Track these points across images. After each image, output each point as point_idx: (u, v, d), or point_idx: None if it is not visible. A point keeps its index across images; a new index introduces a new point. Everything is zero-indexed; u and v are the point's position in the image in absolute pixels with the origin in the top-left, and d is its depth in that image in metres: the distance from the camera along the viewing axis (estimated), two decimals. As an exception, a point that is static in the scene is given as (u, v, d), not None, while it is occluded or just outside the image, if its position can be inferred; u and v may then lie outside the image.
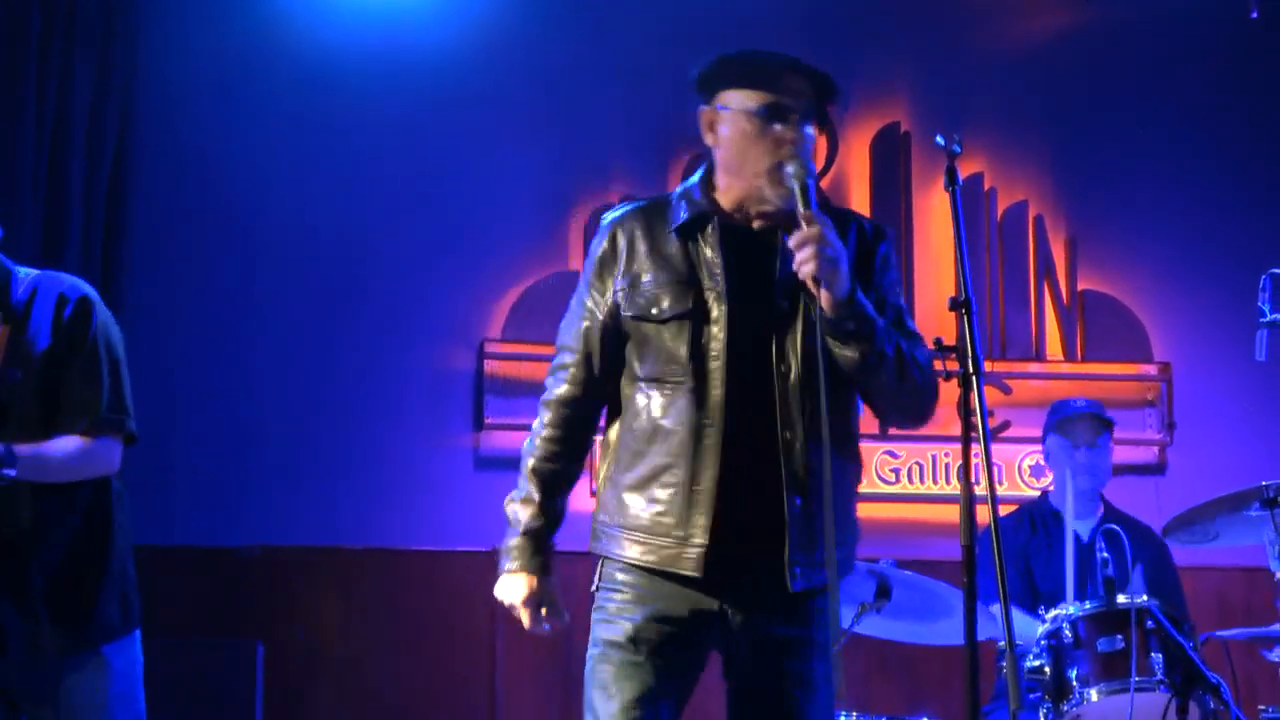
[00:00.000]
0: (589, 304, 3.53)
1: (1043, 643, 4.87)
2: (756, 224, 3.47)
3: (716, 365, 3.37)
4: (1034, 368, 7.48)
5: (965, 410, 3.26)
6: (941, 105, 7.56)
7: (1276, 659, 4.77)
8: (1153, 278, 7.64)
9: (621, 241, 3.50)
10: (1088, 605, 4.86)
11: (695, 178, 3.55)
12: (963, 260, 3.32)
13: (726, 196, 3.49)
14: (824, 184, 7.46)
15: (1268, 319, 4.98)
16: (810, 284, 3.27)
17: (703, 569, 3.35)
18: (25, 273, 3.91)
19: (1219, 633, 5.15)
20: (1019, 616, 4.66)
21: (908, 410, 3.53)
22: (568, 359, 3.55)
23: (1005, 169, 7.62)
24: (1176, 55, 7.82)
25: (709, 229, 3.44)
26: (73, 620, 3.82)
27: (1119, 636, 4.74)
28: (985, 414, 3.26)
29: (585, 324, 3.53)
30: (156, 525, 6.15)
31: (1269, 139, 7.81)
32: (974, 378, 3.25)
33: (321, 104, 7.02)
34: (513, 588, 3.58)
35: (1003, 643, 3.18)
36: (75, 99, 6.32)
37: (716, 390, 3.37)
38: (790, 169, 3.35)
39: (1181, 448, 7.45)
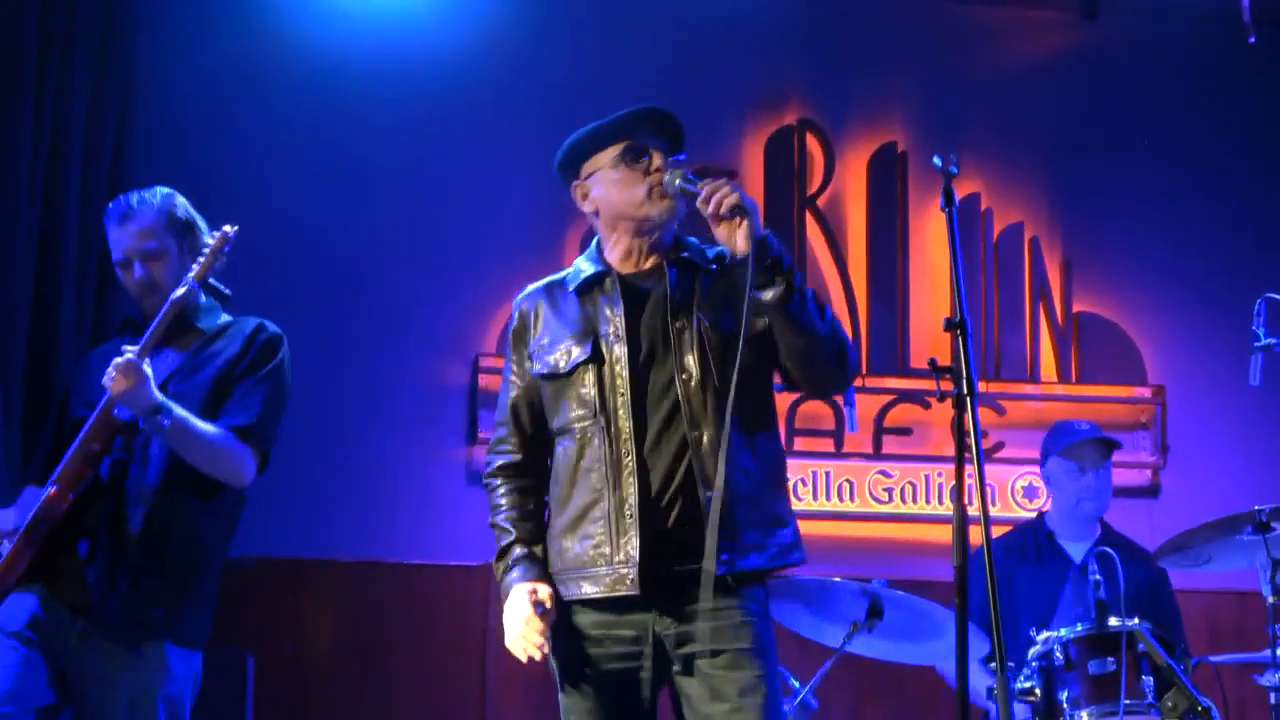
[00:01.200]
0: (511, 378, 3.77)
1: (1034, 664, 4.87)
2: (649, 263, 3.69)
3: (623, 399, 3.56)
4: (1028, 389, 7.49)
5: (959, 431, 3.28)
6: (938, 126, 7.58)
7: (1268, 683, 4.77)
8: (1148, 301, 7.65)
9: (529, 316, 3.76)
10: (1079, 627, 4.86)
11: (589, 250, 3.79)
12: (958, 281, 3.35)
13: (616, 252, 3.72)
14: (820, 203, 7.50)
15: (1262, 343, 4.99)
16: (728, 226, 3.43)
17: (639, 585, 3.48)
18: (226, 318, 4.33)
19: (1210, 657, 5.16)
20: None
21: (831, 361, 3.58)
22: (502, 432, 3.78)
23: (1002, 190, 7.64)
24: (1173, 79, 7.85)
25: (607, 282, 3.68)
26: (147, 608, 3.97)
27: (1110, 659, 4.74)
28: (979, 435, 3.28)
29: (512, 394, 3.76)
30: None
31: (1265, 163, 7.83)
32: (968, 398, 3.27)
33: (319, 116, 7.03)
34: (517, 598, 3.64)
35: (994, 664, 3.18)
36: (72, 106, 6.31)
37: (626, 422, 3.55)
38: (666, 178, 3.59)
39: (1175, 471, 7.46)
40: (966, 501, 3.25)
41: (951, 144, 6.96)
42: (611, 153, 3.69)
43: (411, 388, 7.05)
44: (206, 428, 4.03)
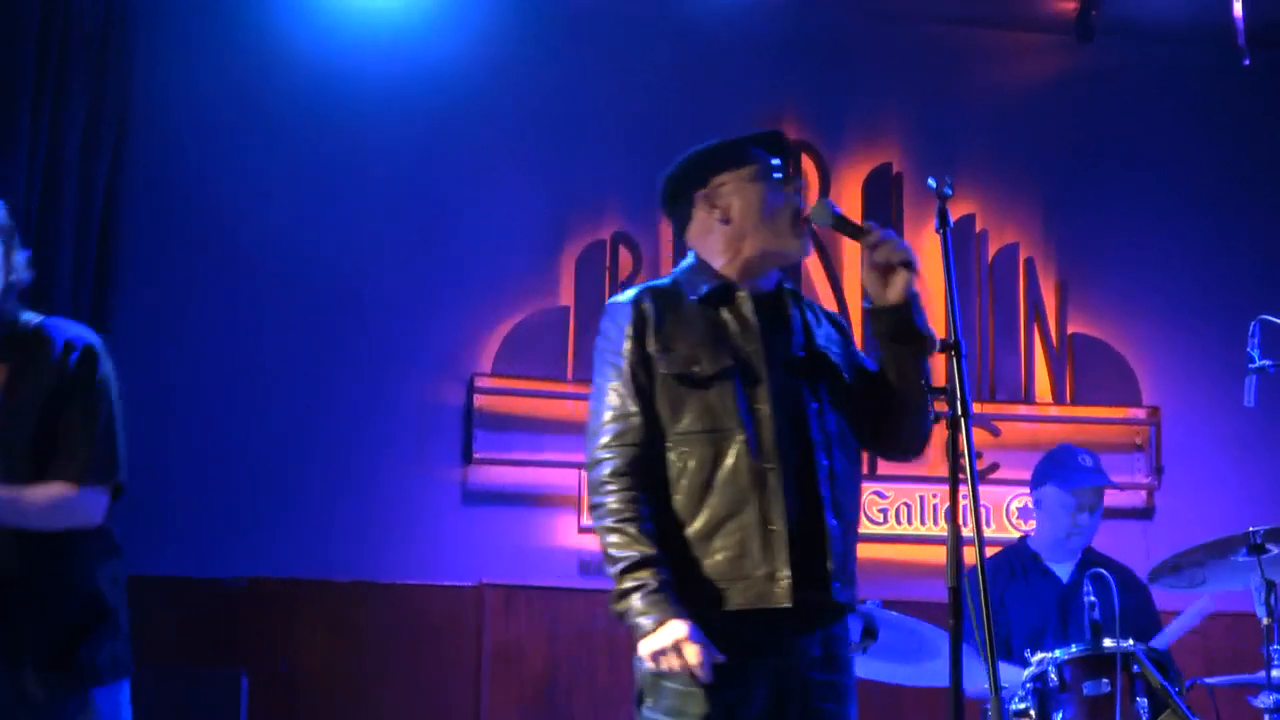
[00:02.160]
0: (631, 374, 3.58)
1: (1028, 686, 4.87)
2: (768, 284, 3.71)
3: (766, 413, 3.53)
4: (1023, 410, 7.49)
5: (953, 452, 3.28)
6: (934, 147, 7.59)
7: (1262, 705, 4.76)
8: (1142, 322, 7.66)
9: (648, 313, 3.62)
10: (1073, 649, 4.85)
11: (688, 263, 3.75)
12: (953, 302, 3.36)
13: (734, 265, 3.68)
14: (816, 225, 7.50)
15: (1257, 364, 4.99)
16: (889, 274, 3.60)
17: (792, 598, 3.46)
18: (30, 317, 3.90)
19: (1205, 679, 5.15)
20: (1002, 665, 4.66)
21: (919, 430, 3.69)
22: (624, 427, 3.56)
23: (997, 211, 7.65)
24: (1167, 101, 7.87)
25: (739, 297, 3.64)
26: (60, 666, 3.79)
27: (1104, 680, 4.74)
28: (973, 456, 3.28)
29: (634, 388, 3.57)
30: (143, 555, 6.08)
31: (1259, 185, 7.85)
32: (963, 419, 3.27)
33: (314, 135, 7.04)
34: (672, 631, 3.42)
35: (987, 685, 3.18)
36: (68, 127, 6.32)
37: (769, 436, 3.52)
38: (815, 210, 3.63)
39: (1169, 492, 7.46)
40: (961, 523, 3.25)
41: (946, 165, 6.99)
42: (753, 168, 3.70)
43: (407, 408, 7.04)
44: (39, 495, 3.74)
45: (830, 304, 7.41)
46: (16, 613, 3.76)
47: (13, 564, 3.76)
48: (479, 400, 7.02)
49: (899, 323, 3.53)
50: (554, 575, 6.91)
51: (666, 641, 3.37)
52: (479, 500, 6.91)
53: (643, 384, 3.57)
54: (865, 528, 7.18)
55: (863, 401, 3.65)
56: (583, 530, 6.87)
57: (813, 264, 7.45)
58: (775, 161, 3.71)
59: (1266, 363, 4.98)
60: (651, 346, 3.59)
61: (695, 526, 3.51)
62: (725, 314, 3.63)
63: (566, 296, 7.12)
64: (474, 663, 6.75)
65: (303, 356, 6.98)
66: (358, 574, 6.81)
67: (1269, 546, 4.70)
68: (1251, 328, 5.05)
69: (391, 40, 7.16)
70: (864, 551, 7.02)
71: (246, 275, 6.97)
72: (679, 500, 3.53)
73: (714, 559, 3.48)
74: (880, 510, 7.24)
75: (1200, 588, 5.03)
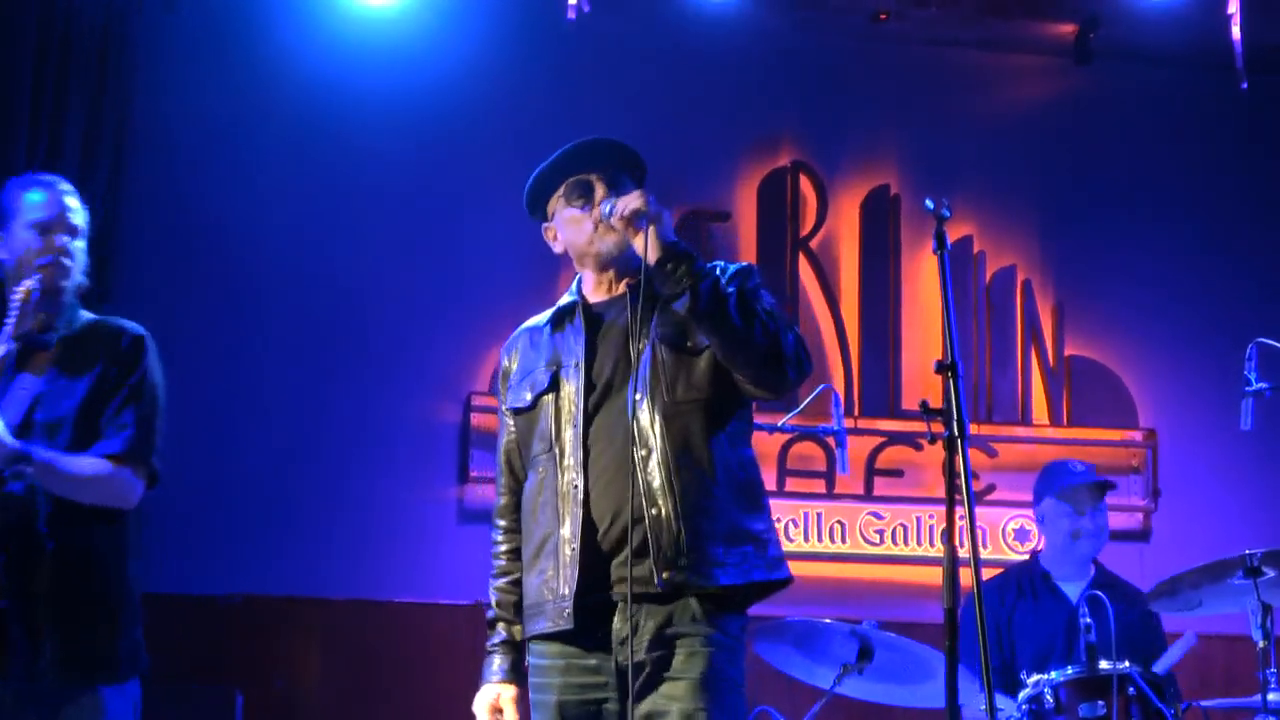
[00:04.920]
0: (502, 419, 3.78)
1: (1024, 708, 4.86)
2: (619, 289, 3.67)
3: (574, 429, 3.54)
4: (1020, 431, 7.50)
5: (950, 473, 3.27)
6: (931, 169, 7.60)
7: (1257, 729, 4.76)
8: (1139, 344, 7.67)
9: (510, 357, 3.79)
10: (1069, 670, 4.84)
11: (570, 286, 3.80)
12: (950, 323, 3.34)
13: (589, 286, 3.73)
14: (813, 245, 7.51)
15: (1253, 388, 4.99)
16: (640, 238, 3.44)
17: (574, 619, 3.46)
18: (86, 315, 4.02)
19: (1201, 701, 5.15)
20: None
21: (759, 356, 3.49)
22: (496, 473, 3.81)
23: (994, 233, 7.66)
24: (1164, 124, 7.88)
25: (575, 311, 3.69)
26: (75, 654, 3.81)
27: (1100, 702, 4.73)
28: (969, 477, 3.27)
29: (503, 437, 3.77)
30: (139, 571, 6.12)
31: (1256, 208, 7.86)
32: (959, 440, 3.26)
33: (314, 158, 7.05)
34: (480, 697, 3.77)
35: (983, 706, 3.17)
36: (66, 140, 6.32)
37: (576, 452, 3.53)
38: (603, 210, 3.58)
39: (1166, 514, 7.46)
40: (957, 543, 3.25)
41: (944, 187, 6.96)
42: (558, 194, 3.73)
43: (404, 426, 7.04)
44: (78, 463, 3.80)
45: (829, 332, 7.42)
46: (44, 594, 3.78)
47: (43, 558, 3.78)
48: (476, 419, 7.02)
49: (654, 281, 3.44)
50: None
51: (475, 706, 3.73)
52: (475, 519, 6.90)
53: (508, 430, 3.74)
54: (861, 548, 7.19)
55: (715, 361, 3.53)
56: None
57: (813, 292, 7.44)
58: (572, 181, 3.71)
59: (1263, 386, 4.98)
60: (506, 387, 3.76)
61: (527, 555, 3.63)
62: (564, 332, 3.68)
63: (564, 315, 7.13)
64: (468, 681, 6.71)
65: (299, 375, 6.98)
66: (354, 592, 6.80)
67: (1265, 569, 4.69)
68: (1248, 351, 5.06)
69: (392, 59, 7.17)
70: (860, 572, 7.12)
71: (243, 292, 6.97)
72: (522, 532, 3.68)
73: (533, 584, 3.59)
74: (876, 531, 7.24)
75: (1196, 610, 5.02)
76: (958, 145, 7.71)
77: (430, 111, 7.17)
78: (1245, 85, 6.58)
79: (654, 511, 3.42)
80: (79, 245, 4.05)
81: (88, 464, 3.82)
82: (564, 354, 3.63)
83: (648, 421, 3.48)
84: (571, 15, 6.26)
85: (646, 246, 3.45)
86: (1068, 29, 7.69)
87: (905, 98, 7.71)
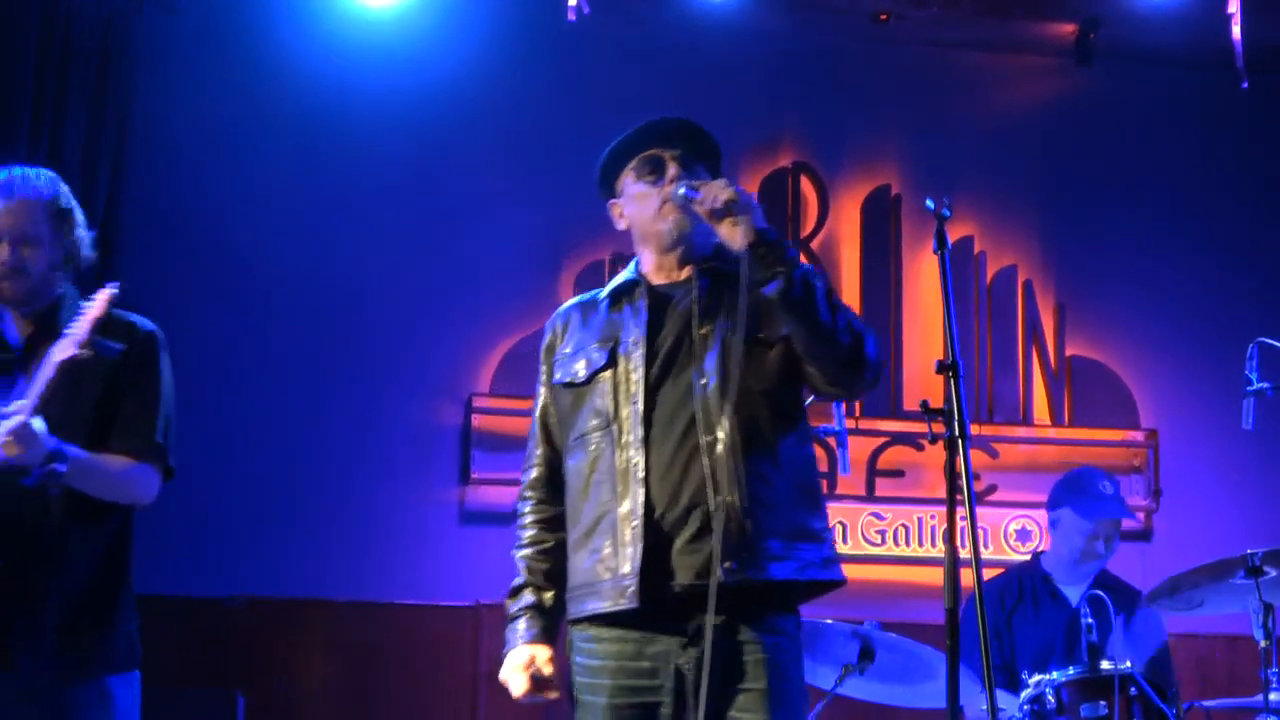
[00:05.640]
0: (540, 389, 3.71)
1: (1026, 708, 4.86)
2: (682, 274, 3.60)
3: (635, 407, 3.46)
4: (1021, 432, 7.50)
5: (951, 473, 3.27)
6: (932, 169, 7.60)
7: (1259, 729, 4.76)
8: (1141, 344, 7.67)
9: (558, 329, 3.72)
10: (1071, 671, 4.84)
11: (628, 264, 3.74)
12: (951, 323, 3.33)
13: (649, 267, 3.66)
14: (814, 245, 7.51)
15: (1255, 387, 4.99)
16: (729, 226, 3.37)
17: (639, 599, 3.35)
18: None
19: (1202, 701, 5.14)
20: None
21: (843, 355, 3.43)
22: (530, 445, 3.71)
23: (995, 233, 7.66)
24: (1165, 124, 7.89)
25: (636, 291, 3.62)
26: (79, 647, 3.81)
27: (1102, 703, 4.72)
28: (971, 477, 3.27)
29: (539, 408, 3.69)
30: (140, 573, 6.11)
31: (1257, 208, 7.86)
32: (960, 441, 3.26)
33: (314, 158, 7.05)
34: (510, 660, 3.55)
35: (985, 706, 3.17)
36: (68, 141, 6.33)
37: (637, 429, 3.44)
38: (673, 190, 3.53)
39: (1167, 514, 7.46)
40: (959, 544, 3.24)
41: (945, 187, 6.97)
42: (631, 167, 3.68)
43: (405, 428, 7.04)
44: (108, 461, 3.81)
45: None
46: (49, 586, 3.79)
47: (53, 534, 3.79)
48: (477, 420, 7.02)
49: (750, 266, 3.35)
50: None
51: (504, 672, 3.52)
52: (476, 520, 6.91)
53: (546, 402, 3.67)
54: (863, 549, 7.19)
55: (793, 354, 3.46)
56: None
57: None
58: (645, 157, 3.67)
59: (1264, 385, 4.98)
60: (553, 359, 3.69)
61: (575, 534, 3.52)
62: (623, 310, 3.61)
63: (565, 317, 7.13)
64: (470, 682, 6.74)
65: (300, 376, 6.98)
66: (355, 594, 6.80)
67: (1267, 569, 4.69)
68: (1249, 350, 5.05)
69: (393, 60, 7.18)
70: (862, 573, 7.12)
71: (244, 293, 6.97)
72: (569, 509, 3.57)
73: (584, 565, 3.47)
74: (878, 532, 7.24)
75: (1197, 610, 5.02)
76: (958, 145, 7.71)
77: (430, 112, 7.18)
78: (1245, 85, 6.58)
79: (720, 499, 3.34)
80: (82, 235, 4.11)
81: (116, 462, 3.84)
82: (623, 331, 3.55)
83: (715, 408, 3.40)
84: (571, 16, 6.27)
85: (738, 233, 3.36)
86: (1068, 29, 7.69)
87: (906, 98, 7.71)
